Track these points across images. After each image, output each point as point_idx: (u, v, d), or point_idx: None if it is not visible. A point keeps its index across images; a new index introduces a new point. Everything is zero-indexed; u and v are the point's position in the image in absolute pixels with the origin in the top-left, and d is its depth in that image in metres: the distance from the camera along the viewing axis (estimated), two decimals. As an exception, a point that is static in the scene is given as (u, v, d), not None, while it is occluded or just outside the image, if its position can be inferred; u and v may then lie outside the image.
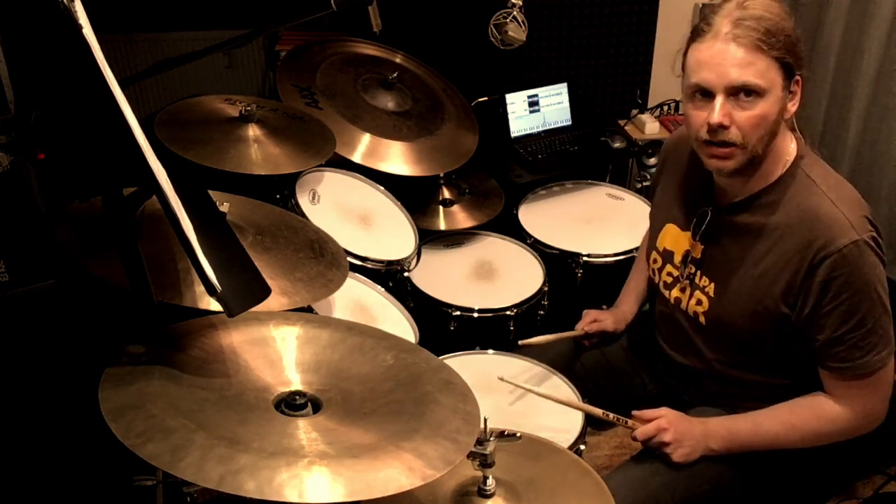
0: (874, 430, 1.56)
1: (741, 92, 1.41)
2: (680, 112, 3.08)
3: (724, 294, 1.58)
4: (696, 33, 1.46)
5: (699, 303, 1.63)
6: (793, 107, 1.48)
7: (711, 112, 1.43)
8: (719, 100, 1.42)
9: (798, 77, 1.46)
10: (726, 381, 1.66)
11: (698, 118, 1.46)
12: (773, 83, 1.42)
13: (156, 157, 1.11)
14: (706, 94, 1.44)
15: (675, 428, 1.58)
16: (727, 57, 1.40)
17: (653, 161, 2.91)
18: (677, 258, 1.68)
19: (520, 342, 1.89)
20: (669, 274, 1.71)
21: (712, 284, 1.60)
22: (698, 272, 1.63)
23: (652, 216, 1.83)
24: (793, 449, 1.57)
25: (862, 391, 1.51)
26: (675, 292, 1.69)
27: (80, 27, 1.06)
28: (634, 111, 3.07)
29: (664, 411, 1.61)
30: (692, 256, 1.64)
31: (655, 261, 1.75)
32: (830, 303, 1.45)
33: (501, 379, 1.64)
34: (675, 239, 1.70)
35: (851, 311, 1.45)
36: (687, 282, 1.65)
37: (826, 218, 1.45)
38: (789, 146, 1.53)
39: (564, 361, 1.90)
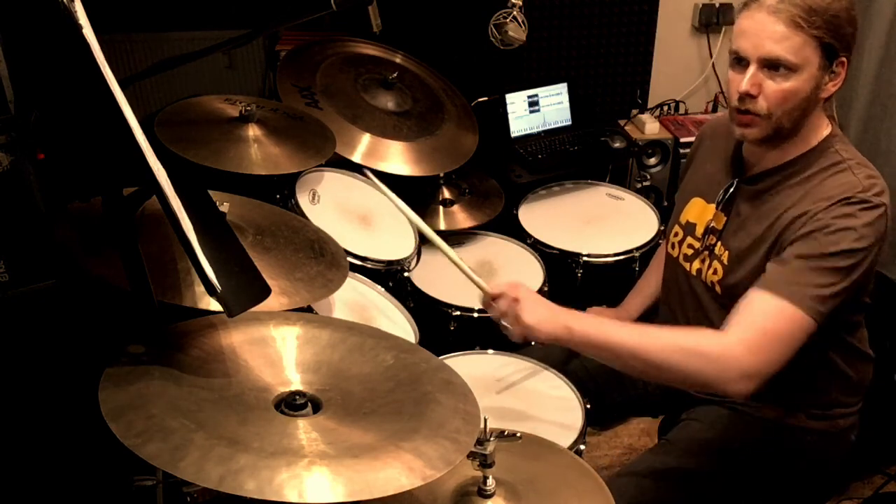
0: (879, 424, 1.54)
1: (773, 65, 1.44)
2: (680, 112, 3.08)
3: (737, 261, 1.59)
4: (748, 1, 1.48)
5: (715, 272, 1.63)
6: (833, 87, 1.50)
7: (743, 80, 1.47)
8: (751, 69, 1.46)
9: (843, 59, 1.47)
10: None
11: (734, 83, 1.50)
12: (808, 61, 1.44)
13: (156, 157, 1.11)
14: (742, 62, 1.48)
15: (526, 290, 1.53)
16: (765, 29, 1.43)
17: (653, 161, 2.92)
18: (699, 230, 1.69)
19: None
20: (690, 246, 1.71)
21: (727, 252, 1.61)
22: (718, 242, 1.64)
23: (678, 196, 1.84)
24: (801, 445, 1.55)
25: (765, 327, 1.41)
26: (696, 264, 1.69)
27: (80, 27, 1.06)
28: (634, 111, 3.06)
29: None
30: (713, 227, 1.65)
31: (676, 234, 1.76)
32: (805, 227, 1.44)
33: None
34: (700, 212, 1.71)
35: (815, 244, 1.42)
36: (706, 252, 1.66)
37: (843, 180, 1.47)
38: (823, 126, 1.55)
39: (565, 361, 1.90)
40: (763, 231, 1.54)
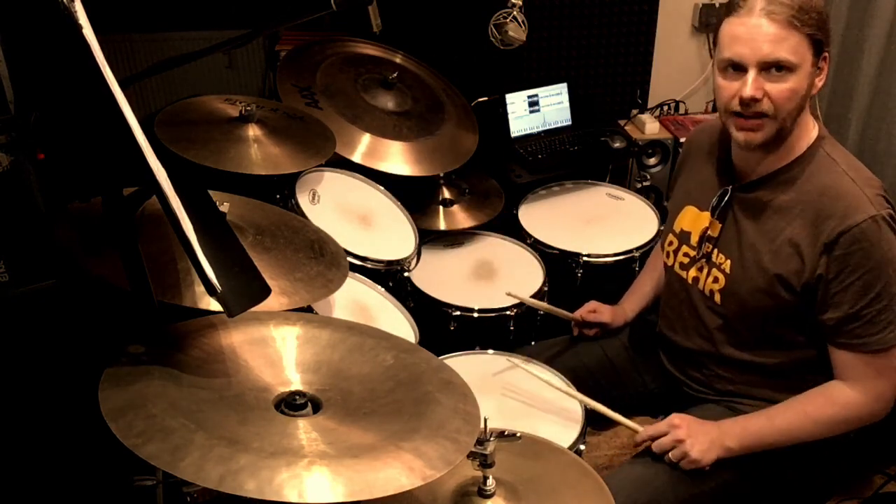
0: (879, 424, 1.55)
1: (773, 67, 1.45)
2: (680, 112, 3.08)
3: (739, 270, 1.59)
4: (731, 8, 1.48)
5: (715, 280, 1.63)
6: (820, 83, 1.52)
7: (744, 85, 1.46)
8: (752, 73, 1.45)
9: (826, 53, 1.49)
10: (733, 365, 1.66)
11: (730, 90, 1.49)
12: (804, 59, 1.45)
13: (156, 157, 1.11)
14: (738, 68, 1.48)
15: (687, 425, 1.57)
16: (760, 32, 1.43)
17: (653, 161, 2.92)
18: (694, 238, 1.69)
19: (507, 293, 1.98)
20: (686, 255, 1.72)
21: (728, 261, 1.61)
22: (715, 250, 1.64)
23: (670, 205, 1.85)
24: (802, 445, 1.56)
25: (875, 371, 1.51)
26: (692, 272, 1.69)
27: (80, 27, 1.06)
28: (634, 111, 3.06)
29: (674, 416, 1.61)
30: (709, 235, 1.66)
31: (671, 243, 1.76)
32: (848, 277, 1.47)
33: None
34: (694, 220, 1.71)
35: (868, 286, 1.46)
36: (703, 260, 1.66)
37: (845, 195, 1.48)
38: (811, 127, 1.56)
39: (565, 360, 1.90)
40: (771, 254, 1.55)
